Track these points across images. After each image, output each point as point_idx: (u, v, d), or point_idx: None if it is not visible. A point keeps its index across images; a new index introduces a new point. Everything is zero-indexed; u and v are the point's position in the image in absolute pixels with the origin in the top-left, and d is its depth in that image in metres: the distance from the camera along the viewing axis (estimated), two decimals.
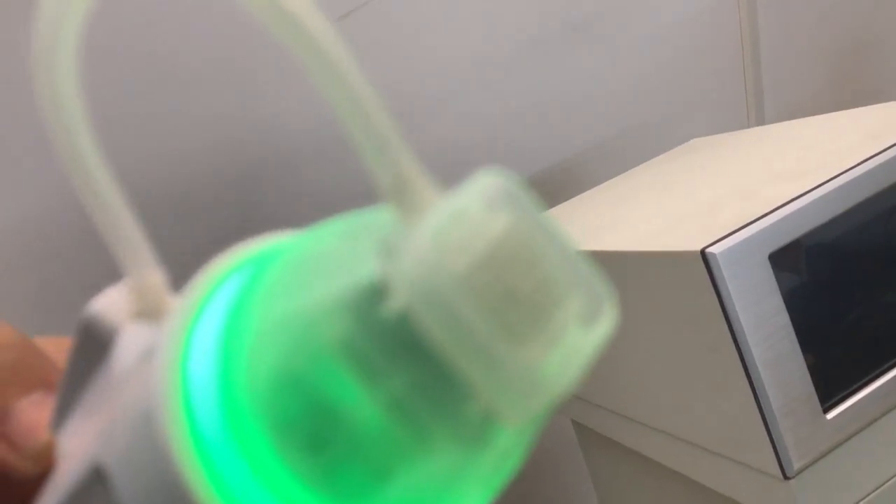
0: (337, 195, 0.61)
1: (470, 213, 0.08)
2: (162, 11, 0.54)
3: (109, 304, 0.12)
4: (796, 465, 0.34)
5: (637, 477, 0.57)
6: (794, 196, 0.35)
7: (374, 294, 0.08)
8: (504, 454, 0.09)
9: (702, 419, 0.40)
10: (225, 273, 0.10)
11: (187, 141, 0.57)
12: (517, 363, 0.08)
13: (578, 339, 0.09)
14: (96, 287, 0.12)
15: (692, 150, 0.63)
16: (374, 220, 0.09)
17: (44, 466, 0.13)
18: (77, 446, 0.11)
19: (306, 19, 0.09)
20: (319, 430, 0.09)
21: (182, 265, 0.12)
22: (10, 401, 0.13)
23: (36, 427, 0.13)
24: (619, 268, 0.41)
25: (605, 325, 0.09)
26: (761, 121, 0.82)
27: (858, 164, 0.36)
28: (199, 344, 0.09)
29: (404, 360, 0.08)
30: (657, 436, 0.45)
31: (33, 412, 0.13)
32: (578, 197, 0.63)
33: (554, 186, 0.72)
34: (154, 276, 0.11)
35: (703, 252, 0.34)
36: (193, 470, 0.09)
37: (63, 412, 0.12)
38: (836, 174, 0.36)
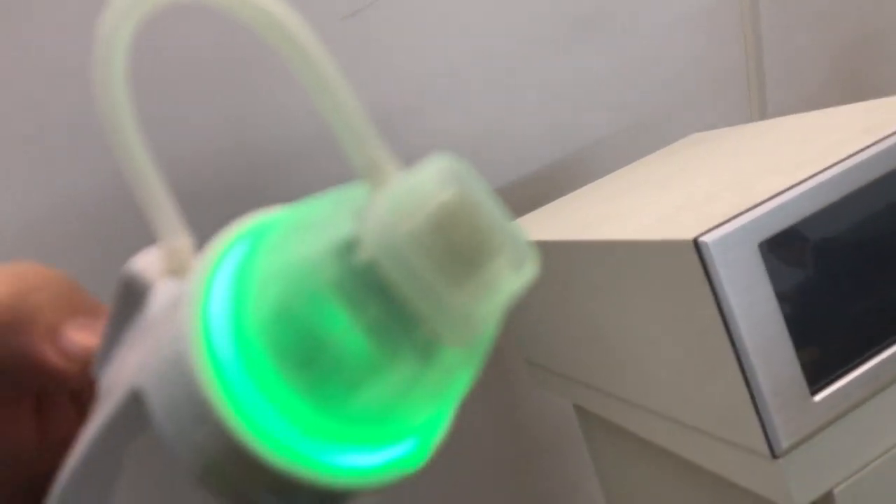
0: None
1: (422, 185, 0.11)
2: (166, 13, 0.55)
3: (145, 263, 0.14)
4: (784, 445, 0.36)
5: (635, 457, 0.58)
6: (785, 187, 0.37)
7: (349, 248, 0.11)
8: (448, 372, 0.12)
9: (695, 401, 0.41)
10: (237, 236, 0.13)
11: (193, 143, 0.59)
12: (455, 300, 0.11)
13: (506, 283, 0.11)
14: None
15: (692, 143, 0.64)
16: (353, 193, 0.12)
17: (86, 370, 0.16)
18: (119, 379, 0.13)
19: (290, 26, 0.12)
20: (308, 352, 0.11)
21: None
22: (61, 322, 0.17)
23: (81, 340, 0.17)
24: (617, 256, 0.43)
25: (527, 274, 0.12)
26: (763, 116, 0.83)
27: (849, 157, 0.38)
28: (216, 290, 0.12)
29: (371, 297, 0.11)
30: (654, 418, 0.47)
31: (80, 330, 0.17)
32: (581, 189, 0.64)
33: (559, 179, 0.74)
34: (183, 240, 0.14)
35: (695, 241, 0.35)
36: (211, 387, 0.11)
37: (107, 354, 0.15)
38: (826, 166, 0.38)
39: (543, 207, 0.64)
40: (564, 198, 0.64)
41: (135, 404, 0.12)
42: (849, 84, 0.88)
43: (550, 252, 0.51)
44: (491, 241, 0.11)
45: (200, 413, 0.11)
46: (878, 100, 0.49)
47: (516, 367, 0.75)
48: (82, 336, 0.17)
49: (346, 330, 0.11)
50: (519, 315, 0.62)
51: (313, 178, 0.63)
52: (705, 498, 0.50)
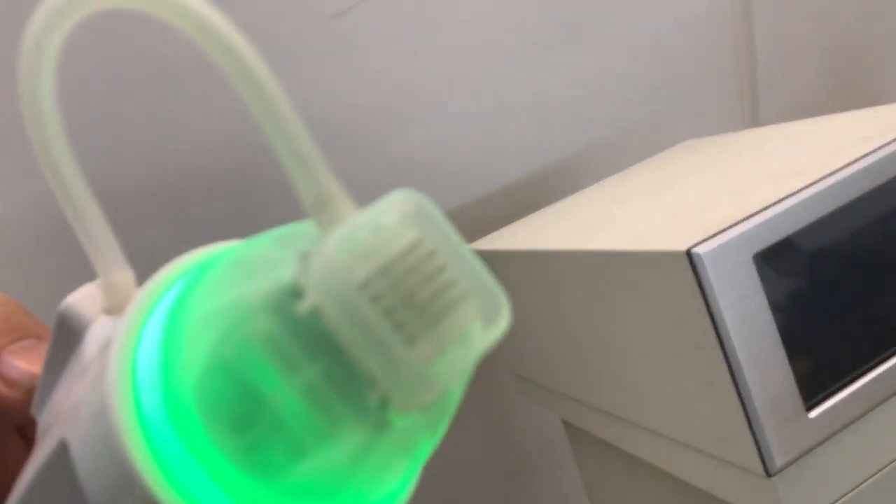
0: None
1: (378, 226, 0.10)
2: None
3: (83, 298, 0.13)
4: (779, 463, 0.35)
5: (625, 474, 0.57)
6: (779, 198, 0.36)
7: (291, 294, 0.10)
8: (404, 438, 0.11)
9: (687, 417, 0.40)
10: (176, 274, 0.12)
11: (183, 141, 0.57)
12: (409, 359, 0.09)
13: (472, 338, 0.10)
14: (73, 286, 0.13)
15: (685, 150, 0.64)
16: (302, 231, 0.11)
17: (30, 397, 0.15)
18: (53, 424, 0.12)
19: (237, 49, 0.10)
20: (243, 413, 0.10)
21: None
22: (2, 347, 0.16)
23: (23, 365, 0.16)
24: (607, 267, 0.42)
25: (499, 327, 0.10)
26: (756, 123, 0.82)
27: (844, 167, 0.37)
28: (146, 337, 0.10)
29: (316, 352, 0.10)
30: (643, 434, 0.46)
31: (23, 355, 0.16)
32: (571, 196, 0.63)
33: (549, 186, 0.73)
34: (123, 275, 0.13)
35: (688, 252, 0.34)
36: (136, 450, 0.10)
37: (44, 394, 0.13)
38: (821, 177, 0.37)
39: (532, 215, 0.63)
40: (553, 206, 0.63)
41: (63, 458, 0.11)
42: (842, 91, 0.88)
43: (539, 262, 0.49)
44: (454, 290, 0.10)
45: (125, 477, 0.10)
46: (873, 108, 0.48)
47: (503, 381, 0.74)
48: (24, 361, 0.16)
49: (286, 389, 0.10)
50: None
51: None
52: None
